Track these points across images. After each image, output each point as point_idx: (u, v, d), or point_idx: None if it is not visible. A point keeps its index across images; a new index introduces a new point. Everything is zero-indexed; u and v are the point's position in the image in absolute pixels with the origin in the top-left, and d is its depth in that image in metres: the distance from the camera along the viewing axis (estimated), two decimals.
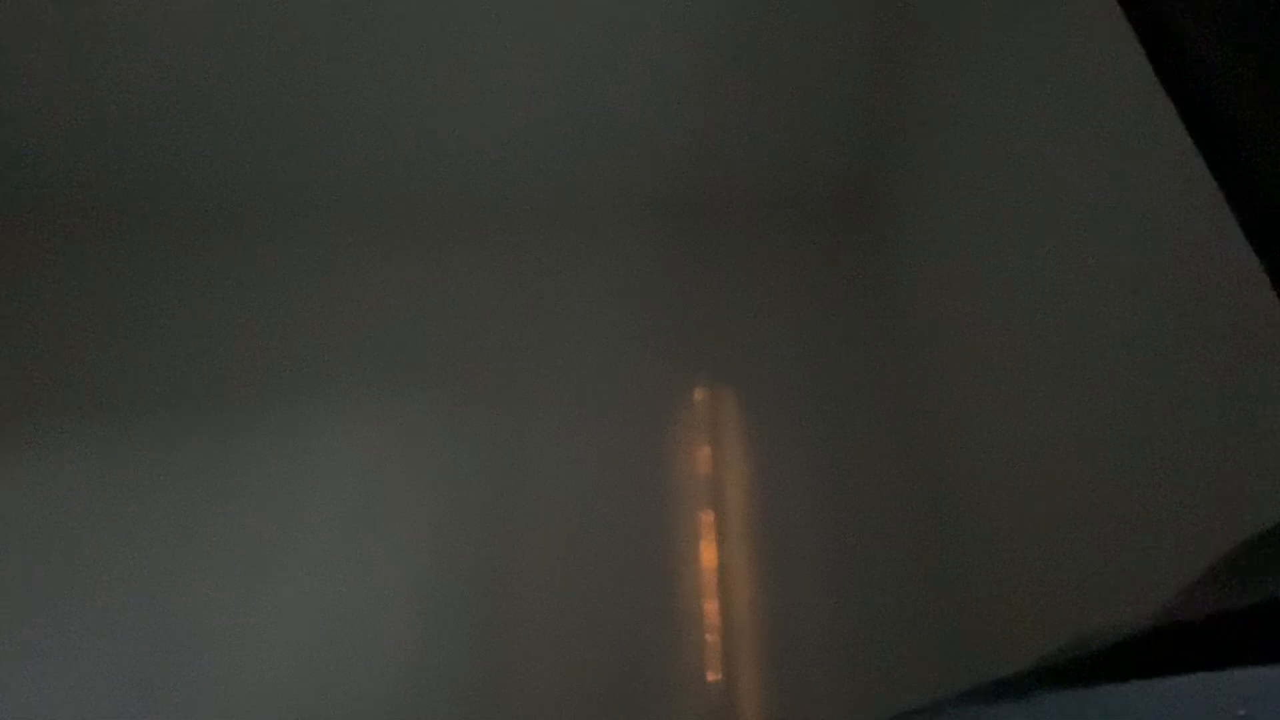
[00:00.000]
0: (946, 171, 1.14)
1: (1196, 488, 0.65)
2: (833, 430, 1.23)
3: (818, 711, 1.05)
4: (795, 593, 1.13)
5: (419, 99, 1.27)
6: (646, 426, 1.25)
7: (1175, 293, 0.68)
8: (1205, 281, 0.64)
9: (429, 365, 1.30)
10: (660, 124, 1.33)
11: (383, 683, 1.06)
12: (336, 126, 1.30)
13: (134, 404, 1.24)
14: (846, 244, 1.40)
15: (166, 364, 1.27)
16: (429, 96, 1.27)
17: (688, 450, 1.24)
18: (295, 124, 1.29)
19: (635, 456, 1.22)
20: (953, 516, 1.11)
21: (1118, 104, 0.74)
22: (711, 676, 1.08)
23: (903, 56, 1.20)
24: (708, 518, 1.18)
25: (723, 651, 1.09)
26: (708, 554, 1.16)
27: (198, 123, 1.27)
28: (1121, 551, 0.74)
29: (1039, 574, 0.89)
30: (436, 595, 1.12)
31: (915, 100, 1.20)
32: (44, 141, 1.29)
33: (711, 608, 1.12)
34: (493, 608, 1.11)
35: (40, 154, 1.31)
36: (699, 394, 1.29)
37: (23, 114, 1.25)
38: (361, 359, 1.30)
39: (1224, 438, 0.62)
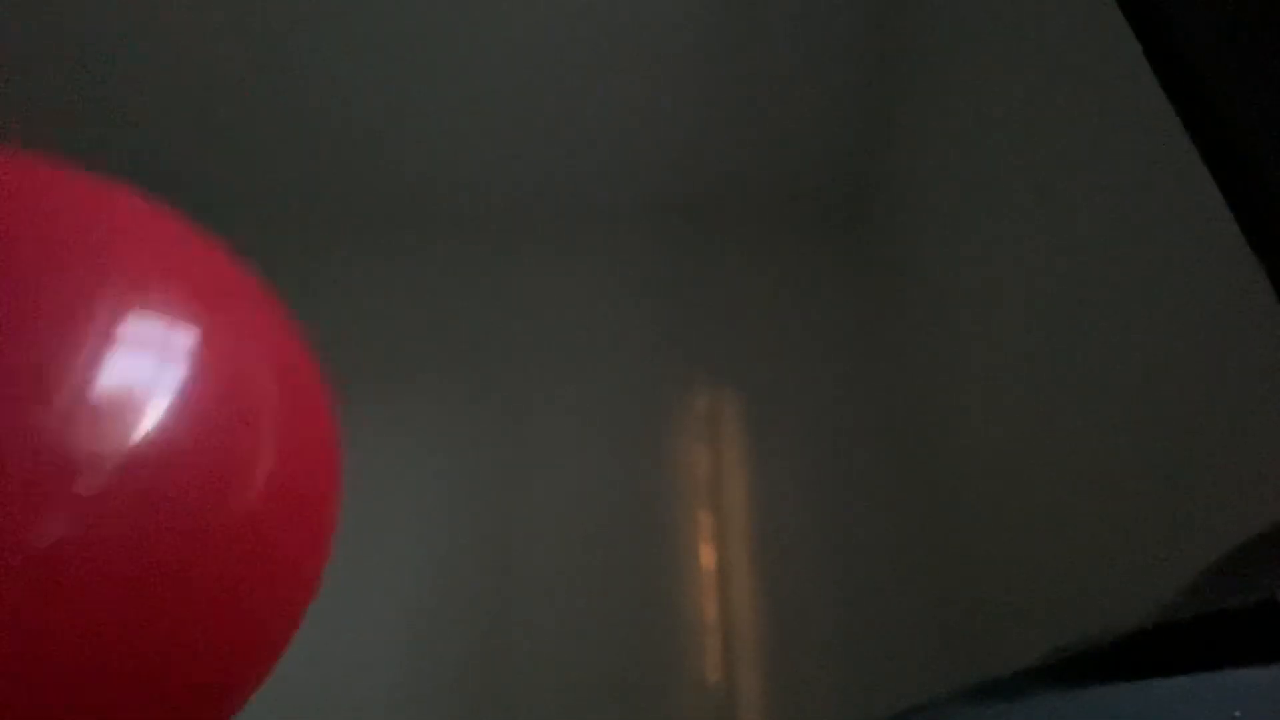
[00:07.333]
0: (948, 173, 1.14)
1: (1196, 488, 0.65)
2: (833, 431, 1.23)
3: (818, 711, 1.05)
4: (795, 593, 1.13)
5: (416, 98, 1.27)
6: (646, 426, 1.25)
7: (1174, 292, 0.68)
8: (1205, 281, 0.64)
9: (426, 365, 1.30)
10: (659, 123, 1.32)
11: (379, 682, 1.06)
12: (329, 125, 1.30)
13: None
14: (847, 244, 1.40)
15: None
16: (425, 95, 1.27)
17: (687, 450, 1.24)
18: (286, 123, 1.29)
19: (635, 457, 1.22)
20: (953, 516, 1.11)
21: (1119, 105, 0.74)
22: (711, 676, 1.08)
23: (904, 55, 1.20)
24: (707, 518, 1.18)
25: (723, 651, 1.09)
26: (707, 554, 1.16)
27: (184, 123, 1.27)
28: (1120, 551, 0.74)
29: (1039, 574, 0.89)
30: (434, 595, 1.12)
31: (916, 101, 1.20)
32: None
33: (711, 608, 1.12)
34: (491, 607, 1.11)
35: None
36: (699, 394, 1.29)
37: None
38: (359, 358, 1.30)
39: (1224, 438, 0.62)
